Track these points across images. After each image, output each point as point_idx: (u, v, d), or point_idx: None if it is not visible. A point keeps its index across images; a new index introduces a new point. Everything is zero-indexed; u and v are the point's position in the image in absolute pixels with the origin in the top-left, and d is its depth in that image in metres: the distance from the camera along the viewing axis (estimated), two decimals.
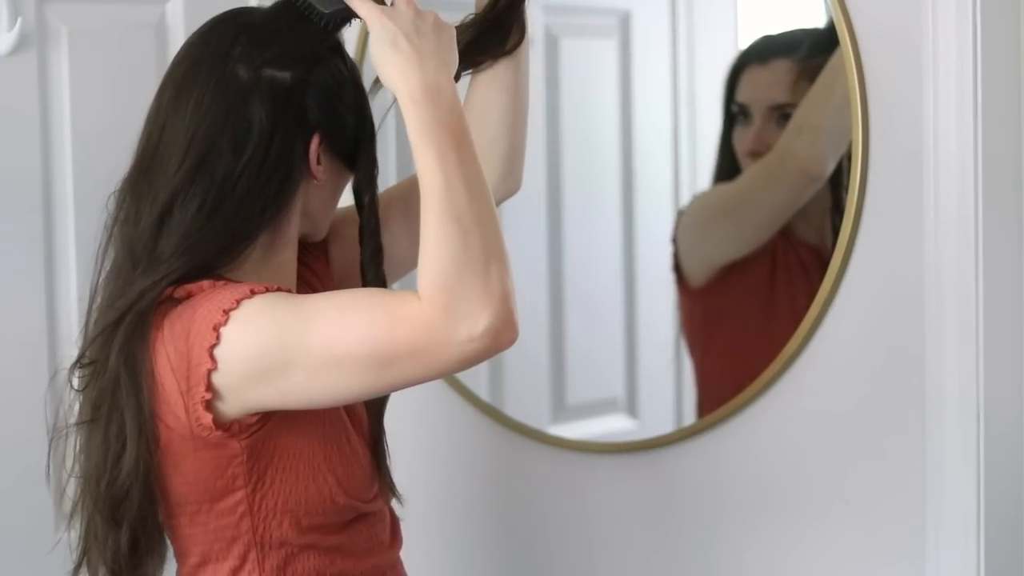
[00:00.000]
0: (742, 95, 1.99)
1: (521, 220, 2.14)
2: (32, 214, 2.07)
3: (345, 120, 1.57)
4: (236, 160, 1.50)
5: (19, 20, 2.01)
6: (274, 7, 1.58)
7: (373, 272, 1.61)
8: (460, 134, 1.44)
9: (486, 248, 1.40)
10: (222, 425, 1.45)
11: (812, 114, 1.91)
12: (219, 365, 1.43)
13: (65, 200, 2.09)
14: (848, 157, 1.87)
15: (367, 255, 1.61)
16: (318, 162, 1.55)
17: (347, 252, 1.69)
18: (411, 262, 1.72)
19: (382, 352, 1.40)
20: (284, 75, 1.52)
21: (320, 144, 1.54)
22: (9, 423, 1.97)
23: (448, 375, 1.46)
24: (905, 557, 1.88)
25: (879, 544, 1.91)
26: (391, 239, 1.68)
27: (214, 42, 1.54)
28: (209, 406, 1.44)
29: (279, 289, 1.48)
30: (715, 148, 2.04)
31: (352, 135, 1.58)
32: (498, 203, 1.57)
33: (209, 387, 1.43)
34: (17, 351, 2.01)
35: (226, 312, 1.43)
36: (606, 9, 2.16)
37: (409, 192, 1.69)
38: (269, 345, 1.43)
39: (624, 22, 2.13)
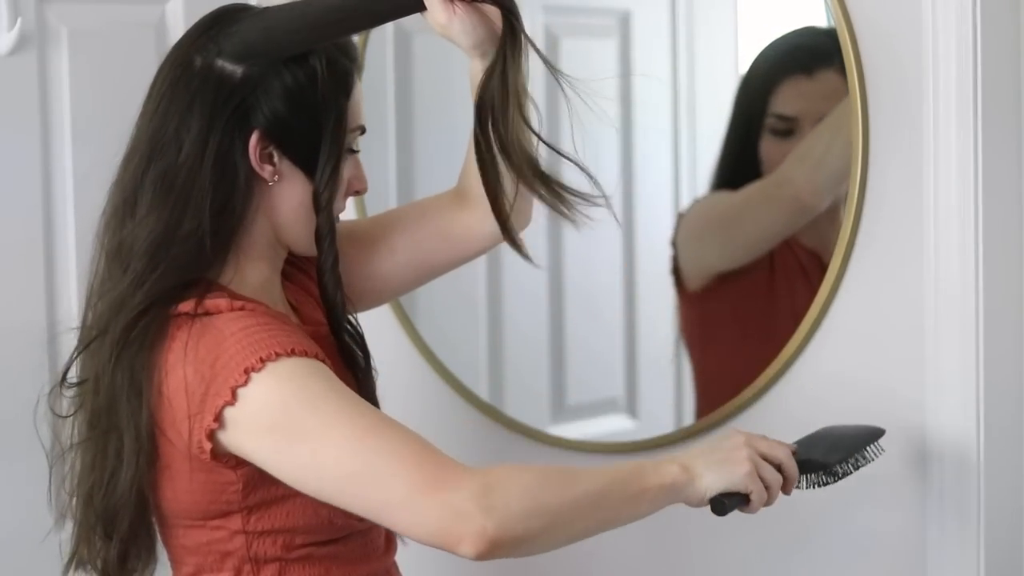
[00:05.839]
0: (788, 108, 1.94)
1: None
2: (32, 214, 2.07)
3: (295, 126, 1.51)
4: (176, 154, 1.47)
5: (19, 20, 2.01)
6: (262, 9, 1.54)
7: (330, 278, 1.59)
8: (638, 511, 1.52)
9: (563, 531, 1.47)
10: (219, 455, 1.45)
11: (817, 146, 1.91)
12: (237, 403, 1.42)
13: (65, 200, 2.09)
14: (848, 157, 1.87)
15: (325, 263, 1.58)
16: (261, 161, 1.50)
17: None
18: (397, 280, 1.73)
19: (383, 495, 1.42)
20: (235, 68, 1.49)
21: (267, 145, 1.50)
22: (7, 424, 1.97)
23: (406, 537, 1.49)
24: (905, 557, 1.88)
25: (879, 545, 1.91)
26: (389, 251, 1.69)
27: (187, 37, 1.53)
28: (212, 435, 1.43)
29: (317, 356, 1.46)
30: (720, 153, 2.02)
31: (307, 142, 1.52)
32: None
33: (218, 418, 1.42)
34: (17, 351, 2.01)
35: (263, 360, 1.41)
36: (606, 9, 2.16)
37: (424, 212, 1.72)
38: (295, 411, 1.42)
39: (624, 22, 2.12)
